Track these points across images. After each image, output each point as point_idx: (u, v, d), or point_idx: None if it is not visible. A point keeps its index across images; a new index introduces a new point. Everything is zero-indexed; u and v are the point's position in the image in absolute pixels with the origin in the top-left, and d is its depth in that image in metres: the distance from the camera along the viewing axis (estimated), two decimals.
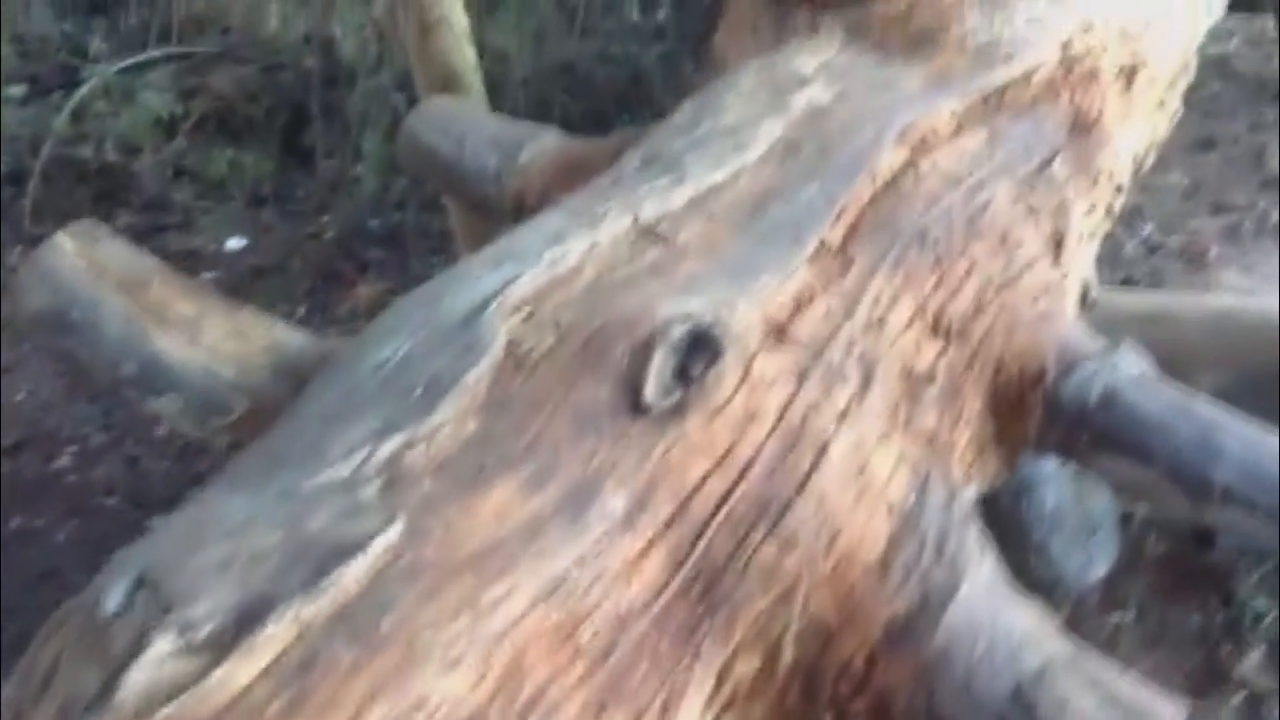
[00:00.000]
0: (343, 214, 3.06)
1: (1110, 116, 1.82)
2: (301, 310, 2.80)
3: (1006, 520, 1.53)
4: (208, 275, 2.98)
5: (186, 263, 2.96)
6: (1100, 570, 1.64)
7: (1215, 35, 4.12)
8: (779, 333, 1.22)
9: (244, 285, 2.93)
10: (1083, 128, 1.74)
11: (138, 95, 3.30)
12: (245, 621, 0.85)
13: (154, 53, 3.50)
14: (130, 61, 3.35)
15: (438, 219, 2.97)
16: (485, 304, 1.11)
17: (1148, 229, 3.15)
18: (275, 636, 0.84)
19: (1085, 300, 1.81)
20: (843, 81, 1.53)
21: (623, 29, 4.14)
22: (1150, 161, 2.28)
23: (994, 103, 1.60)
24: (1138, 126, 2.01)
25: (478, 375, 1.03)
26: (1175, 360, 2.03)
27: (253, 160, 3.18)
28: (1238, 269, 2.92)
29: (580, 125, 2.78)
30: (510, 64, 4.08)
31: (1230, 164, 3.40)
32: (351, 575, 0.87)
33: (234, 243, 3.01)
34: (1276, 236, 3.05)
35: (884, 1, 1.62)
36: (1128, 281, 2.95)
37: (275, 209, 3.18)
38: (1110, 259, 3.05)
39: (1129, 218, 3.19)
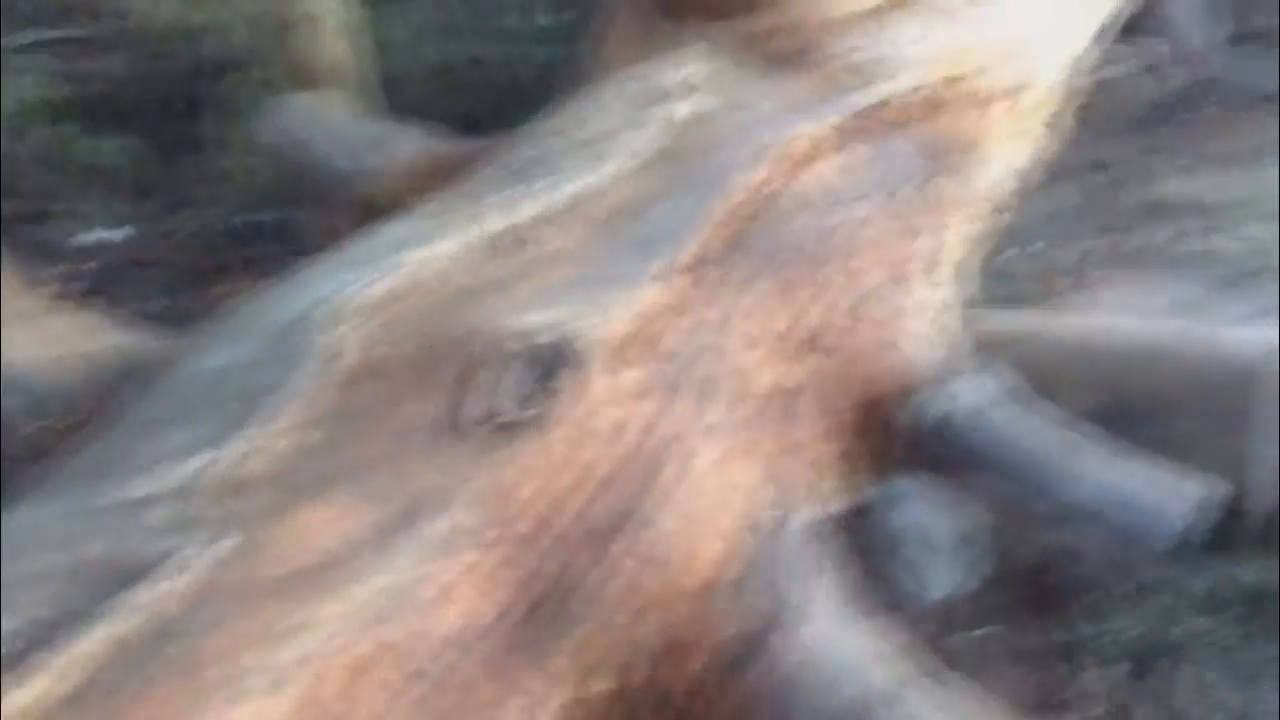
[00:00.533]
0: (226, 207, 2.97)
1: (991, 136, 1.83)
2: (175, 304, 2.70)
3: (871, 535, 1.51)
4: (83, 266, 2.87)
5: (60, 253, 2.85)
6: (964, 584, 1.63)
7: (1111, 58, 4.19)
8: (626, 349, 1.19)
9: (120, 277, 2.82)
10: (962, 147, 1.73)
11: (19, 78, 3.18)
12: (37, 643, 0.80)
13: (37, 34, 3.37)
14: (16, 43, 3.23)
15: (325, 214, 2.89)
16: (317, 313, 1.06)
17: (1037, 246, 3.18)
18: (58, 665, 0.79)
19: (959, 319, 1.81)
20: (714, 96, 1.51)
21: (526, 27, 4.09)
22: (1037, 179, 2.29)
23: (871, 121, 1.58)
24: (1021, 146, 2.02)
25: (299, 389, 0.98)
26: (1049, 381, 2.05)
27: (135, 149, 3.07)
28: (1120, 289, 2.96)
29: (476, 125, 2.73)
30: (405, 60, 3.99)
31: (1120, 184, 3.46)
32: (144, 598, 0.82)
33: (109, 234, 2.89)
34: (1160, 258, 3.10)
35: (762, 16, 1.59)
36: (1015, 298, 2.97)
37: (157, 200, 3.08)
38: (999, 275, 3.08)
39: (1019, 234, 3.22)
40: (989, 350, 2.03)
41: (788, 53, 1.60)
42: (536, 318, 1.10)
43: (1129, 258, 3.11)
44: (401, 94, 3.61)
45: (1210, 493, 1.33)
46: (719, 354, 1.25)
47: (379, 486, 0.93)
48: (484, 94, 3.66)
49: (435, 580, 0.90)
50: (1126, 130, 3.80)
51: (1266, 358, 1.96)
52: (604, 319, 1.15)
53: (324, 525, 0.89)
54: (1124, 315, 2.81)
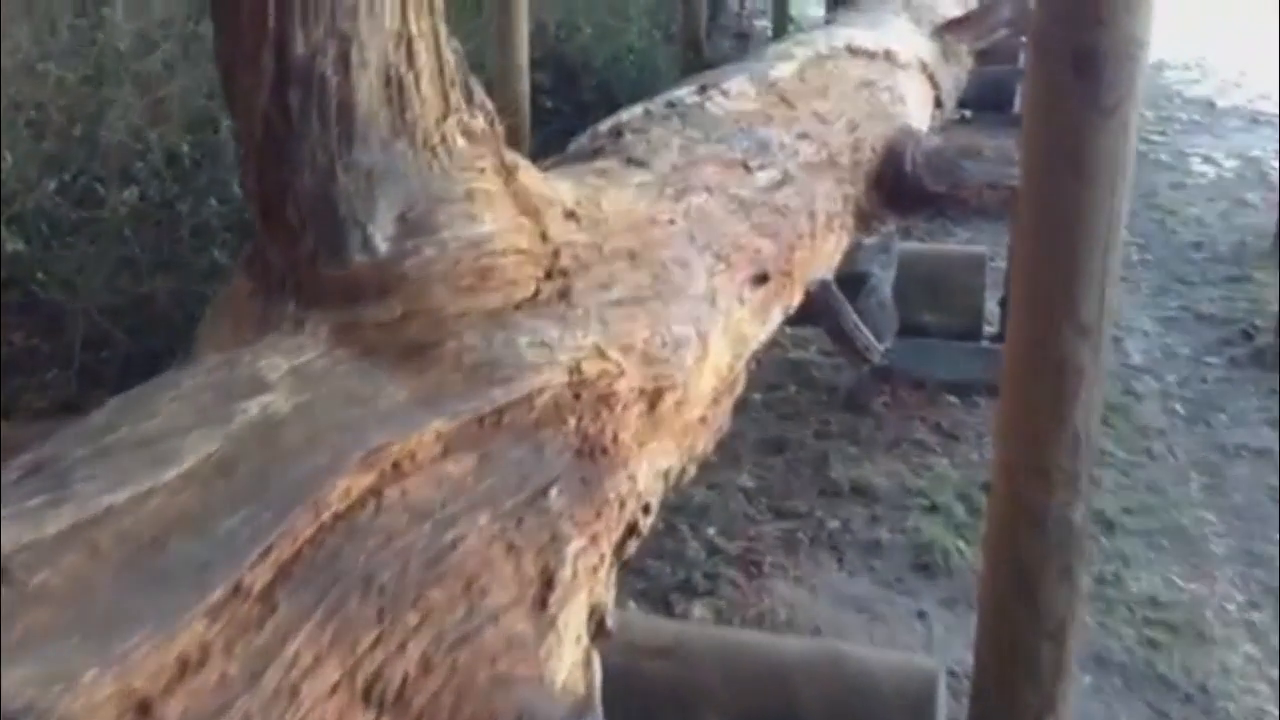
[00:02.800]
0: None
1: (628, 439, 1.75)
2: None
3: None
4: None
5: None
6: None
7: (797, 341, 4.36)
8: (144, 711, 0.98)
9: None
10: (592, 453, 1.65)
11: None
12: None
13: None
14: None
15: None
16: None
17: (710, 531, 3.16)
18: None
19: (601, 630, 1.68)
20: (312, 390, 1.36)
21: (210, 268, 3.91)
22: (690, 474, 2.24)
23: (489, 425, 1.47)
24: (667, 446, 1.96)
25: None
26: (686, 694, 1.95)
27: None
28: (790, 580, 2.95)
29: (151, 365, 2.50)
30: (76, 294, 3.73)
31: (795, 469, 3.52)
32: None
33: None
34: (829, 547, 3.13)
35: (375, 305, 1.48)
36: (686, 585, 2.91)
37: None
38: (674, 560, 3.02)
39: (695, 517, 3.19)
40: (634, 660, 1.90)
41: (407, 347, 1.49)
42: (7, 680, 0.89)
43: (798, 545, 3.13)
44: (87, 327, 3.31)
45: None
46: (269, 712, 1.06)
47: None
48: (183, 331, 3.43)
49: None
50: (806, 412, 3.92)
51: (908, 685, 1.93)
52: (105, 675, 0.95)
53: None
54: (790, 610, 2.79)
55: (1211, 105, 9.33)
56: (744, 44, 10.05)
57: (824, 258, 3.08)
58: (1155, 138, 8.14)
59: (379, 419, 1.37)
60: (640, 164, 2.27)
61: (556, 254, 1.69)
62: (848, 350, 3.19)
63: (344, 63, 1.44)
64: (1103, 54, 1.48)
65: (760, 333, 2.46)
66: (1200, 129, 8.52)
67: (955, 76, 5.24)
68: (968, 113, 7.62)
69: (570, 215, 1.82)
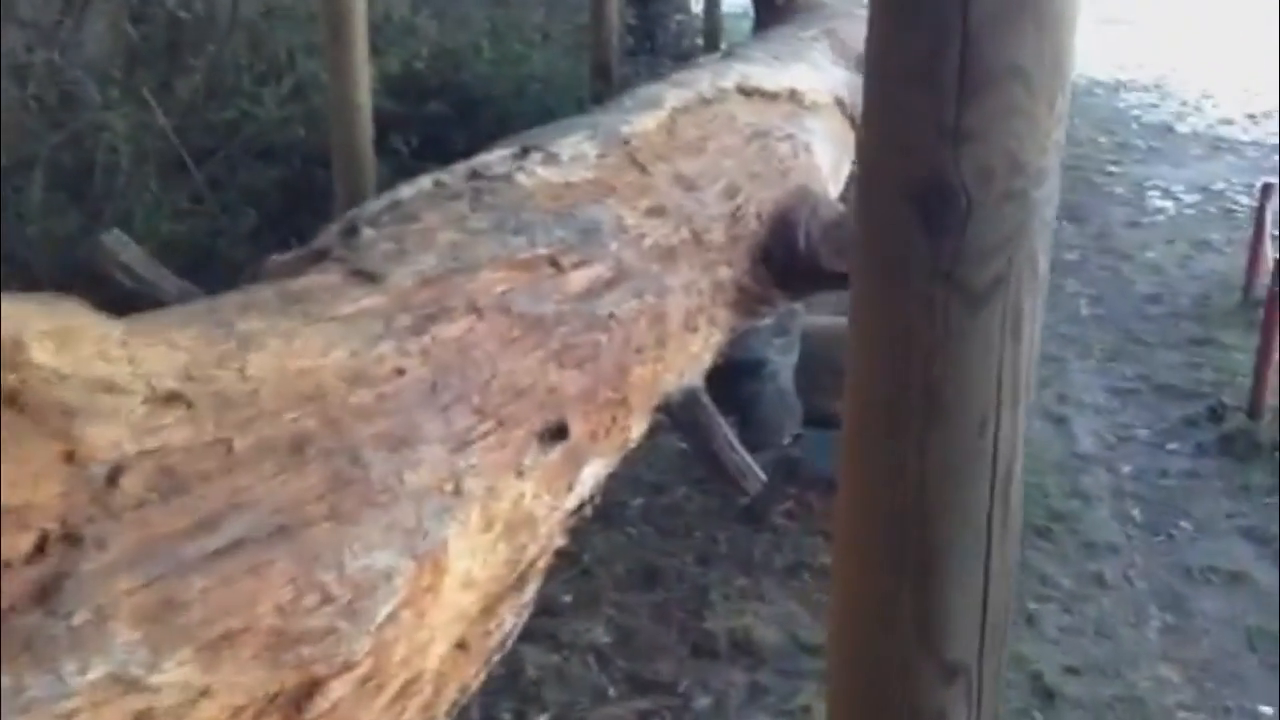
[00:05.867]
0: None
1: None
2: None
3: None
4: None
5: None
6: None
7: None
8: None
9: None
10: None
11: None
12: None
13: None
14: None
15: None
16: None
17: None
18: None
19: None
20: None
21: None
22: None
23: None
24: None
25: None
26: None
27: None
28: None
29: None
30: None
31: (665, 615, 2.85)
32: None
33: None
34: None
35: None
36: None
37: None
38: None
39: (526, 698, 2.52)
40: None
41: None
42: None
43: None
44: None
45: None
46: None
47: None
48: None
49: None
50: (686, 530, 3.26)
51: None
52: None
53: None
54: None
55: (1170, 130, 8.78)
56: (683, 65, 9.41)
57: (685, 364, 2.43)
58: (1110, 168, 7.57)
59: None
60: (371, 278, 1.60)
61: (94, 497, 1.01)
62: (719, 478, 2.54)
63: None
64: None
65: (565, 501, 1.80)
66: (1158, 157, 7.96)
67: None
68: None
69: (171, 399, 1.15)
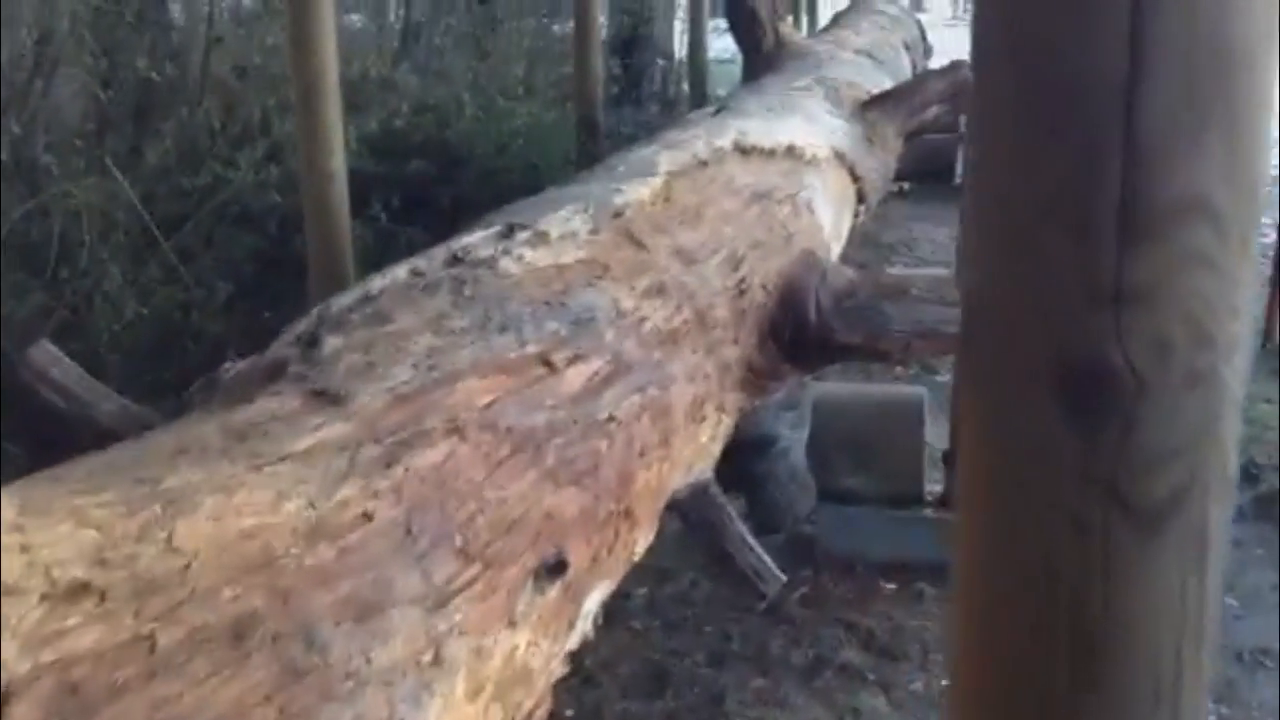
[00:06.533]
0: None
1: None
2: None
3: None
4: None
5: None
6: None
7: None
8: None
9: None
10: None
11: None
12: None
13: None
14: None
15: None
16: None
17: None
18: None
19: None
20: None
21: None
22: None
23: None
24: None
25: None
26: None
27: None
28: None
29: None
30: None
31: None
32: None
33: None
34: None
35: None
36: None
37: None
38: None
39: None
40: None
41: None
42: None
43: None
44: None
45: None
46: None
47: None
48: None
49: None
50: (696, 622, 3.02)
51: None
52: None
53: None
54: None
55: None
56: (670, 112, 9.22)
57: (692, 457, 2.20)
58: None
59: None
60: (334, 400, 1.37)
61: None
62: (735, 581, 2.30)
63: None
64: None
65: (566, 643, 1.56)
66: None
67: (883, 164, 4.40)
68: (906, 185, 6.86)
69: (77, 592, 0.92)
